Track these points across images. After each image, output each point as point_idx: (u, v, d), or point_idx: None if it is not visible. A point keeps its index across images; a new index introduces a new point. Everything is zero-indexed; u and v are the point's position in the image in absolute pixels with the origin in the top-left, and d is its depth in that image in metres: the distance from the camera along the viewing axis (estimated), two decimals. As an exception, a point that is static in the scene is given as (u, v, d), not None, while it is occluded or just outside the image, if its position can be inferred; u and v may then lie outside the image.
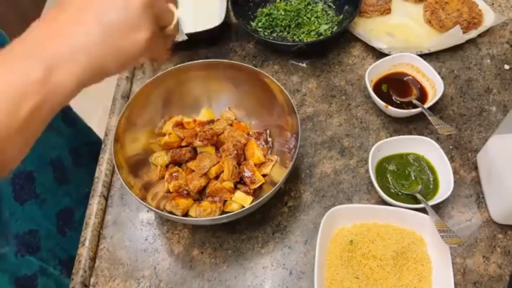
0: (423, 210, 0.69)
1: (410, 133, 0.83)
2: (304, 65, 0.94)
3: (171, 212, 0.70)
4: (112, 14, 0.40)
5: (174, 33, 0.48)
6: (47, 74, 0.37)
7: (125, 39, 0.41)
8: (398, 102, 0.84)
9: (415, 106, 0.81)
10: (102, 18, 0.40)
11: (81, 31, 0.39)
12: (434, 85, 0.84)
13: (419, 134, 0.82)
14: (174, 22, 0.46)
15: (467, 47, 0.93)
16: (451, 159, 0.79)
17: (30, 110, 0.37)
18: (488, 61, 0.92)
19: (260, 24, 0.99)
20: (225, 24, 0.97)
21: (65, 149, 0.90)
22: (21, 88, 0.37)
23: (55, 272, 0.80)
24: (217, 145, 0.77)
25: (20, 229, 0.74)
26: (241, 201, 0.71)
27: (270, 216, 0.75)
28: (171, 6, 0.45)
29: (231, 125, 0.80)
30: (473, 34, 0.93)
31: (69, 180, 0.88)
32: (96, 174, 0.80)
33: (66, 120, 0.95)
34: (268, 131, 0.79)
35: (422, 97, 0.85)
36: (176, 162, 0.76)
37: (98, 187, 0.79)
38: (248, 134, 0.79)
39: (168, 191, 0.74)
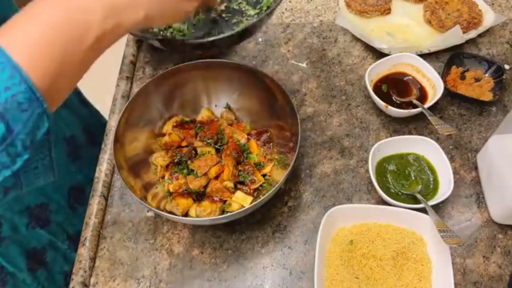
0: (423, 210, 0.69)
1: (410, 133, 0.83)
2: (304, 65, 0.94)
3: (171, 212, 0.70)
4: None
5: None
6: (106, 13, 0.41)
7: None
8: (398, 102, 0.84)
9: (415, 106, 0.81)
10: None
11: None
12: (434, 85, 0.84)
13: (419, 134, 0.82)
14: None
15: (467, 47, 0.93)
16: (451, 159, 0.79)
17: (93, 41, 0.40)
18: (488, 61, 0.92)
19: None
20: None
21: (79, 127, 0.91)
22: (85, 21, 0.40)
23: (62, 246, 0.81)
24: (217, 145, 0.77)
25: (32, 202, 0.75)
26: (241, 201, 0.71)
27: (270, 216, 0.75)
28: None
29: (231, 125, 0.80)
30: (473, 34, 0.93)
31: (82, 158, 0.89)
32: (96, 174, 0.80)
33: (81, 100, 0.95)
34: (268, 131, 0.79)
35: (422, 97, 0.85)
36: (176, 162, 0.76)
37: (98, 187, 0.79)
38: (248, 134, 0.79)
39: (168, 191, 0.74)
